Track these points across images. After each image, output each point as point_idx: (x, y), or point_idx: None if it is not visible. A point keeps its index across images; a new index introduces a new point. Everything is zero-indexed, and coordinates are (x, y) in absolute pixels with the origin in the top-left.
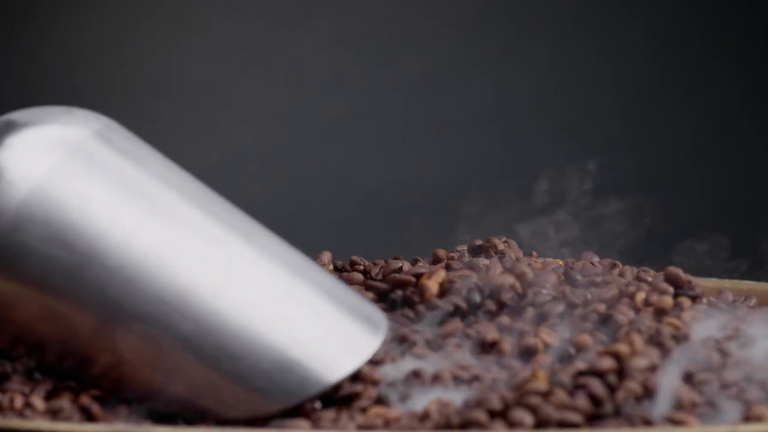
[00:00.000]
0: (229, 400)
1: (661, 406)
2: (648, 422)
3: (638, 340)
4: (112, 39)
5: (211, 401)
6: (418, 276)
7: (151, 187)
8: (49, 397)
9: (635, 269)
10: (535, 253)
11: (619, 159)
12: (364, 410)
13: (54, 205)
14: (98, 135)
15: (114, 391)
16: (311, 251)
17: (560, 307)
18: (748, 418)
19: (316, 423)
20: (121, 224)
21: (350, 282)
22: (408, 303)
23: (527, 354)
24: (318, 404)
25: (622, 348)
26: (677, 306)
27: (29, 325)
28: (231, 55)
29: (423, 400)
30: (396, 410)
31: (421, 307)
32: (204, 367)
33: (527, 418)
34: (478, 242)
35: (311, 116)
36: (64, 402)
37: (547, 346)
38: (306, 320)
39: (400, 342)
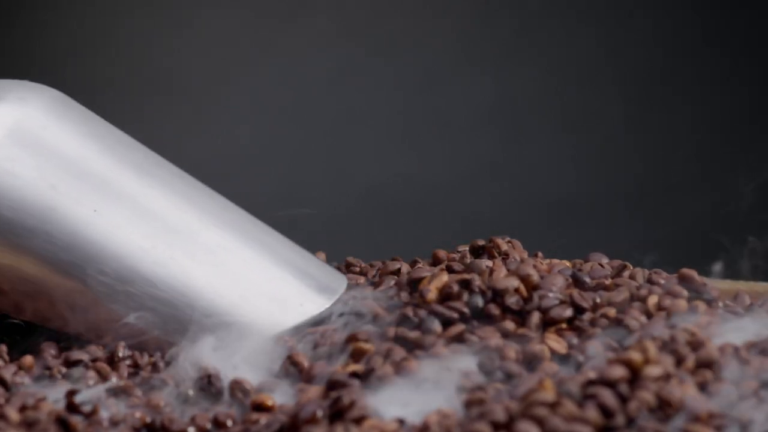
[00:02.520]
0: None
1: (676, 417)
2: None
3: (651, 347)
4: (106, 34)
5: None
6: (417, 281)
7: (97, 159)
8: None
9: (647, 271)
10: (540, 254)
11: (621, 158)
12: (358, 422)
13: None
14: (46, 109)
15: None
16: (307, 251)
17: (568, 312)
18: None
19: None
20: (69, 195)
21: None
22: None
23: (533, 362)
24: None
25: (635, 356)
26: (692, 310)
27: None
28: (228, 51)
29: (423, 409)
30: (392, 423)
31: (421, 312)
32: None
33: (533, 431)
34: (481, 242)
35: (309, 114)
36: (40, 413)
37: (554, 353)
38: (245, 277)
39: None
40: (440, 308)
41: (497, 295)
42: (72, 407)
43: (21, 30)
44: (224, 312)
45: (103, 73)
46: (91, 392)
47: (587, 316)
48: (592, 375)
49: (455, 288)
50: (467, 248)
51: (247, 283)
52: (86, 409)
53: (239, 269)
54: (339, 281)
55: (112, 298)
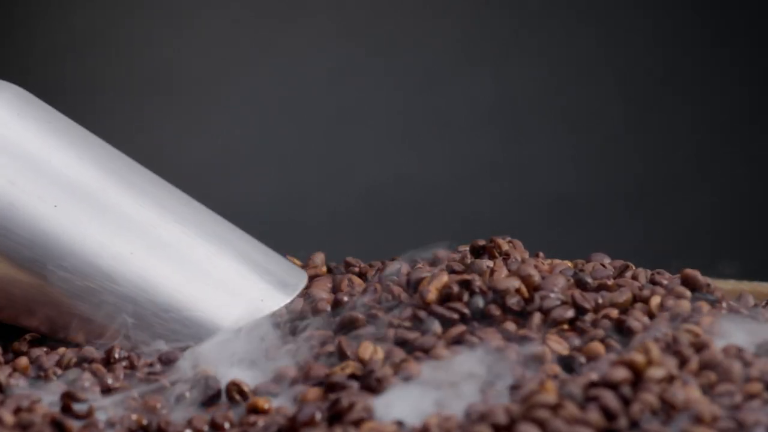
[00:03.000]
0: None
1: (679, 420)
2: None
3: (654, 349)
4: (103, 33)
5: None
6: (417, 281)
7: (57, 156)
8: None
9: (649, 271)
10: (541, 254)
11: (621, 158)
12: (357, 424)
13: None
14: (8, 106)
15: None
16: (305, 251)
17: (569, 313)
18: None
19: None
20: (28, 190)
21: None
22: None
23: (534, 363)
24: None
25: (637, 357)
26: (695, 311)
27: None
28: (228, 50)
29: (422, 411)
30: (391, 426)
31: (421, 313)
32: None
33: None
34: (481, 242)
35: (309, 114)
36: (35, 416)
37: (555, 354)
38: (204, 272)
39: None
40: (440, 309)
41: (498, 296)
42: (67, 409)
43: (20, 29)
44: (183, 307)
45: (101, 72)
46: (86, 394)
47: (589, 317)
48: (594, 377)
49: (455, 288)
50: (468, 248)
51: (206, 279)
52: (81, 411)
53: (198, 265)
54: (299, 277)
55: (71, 293)
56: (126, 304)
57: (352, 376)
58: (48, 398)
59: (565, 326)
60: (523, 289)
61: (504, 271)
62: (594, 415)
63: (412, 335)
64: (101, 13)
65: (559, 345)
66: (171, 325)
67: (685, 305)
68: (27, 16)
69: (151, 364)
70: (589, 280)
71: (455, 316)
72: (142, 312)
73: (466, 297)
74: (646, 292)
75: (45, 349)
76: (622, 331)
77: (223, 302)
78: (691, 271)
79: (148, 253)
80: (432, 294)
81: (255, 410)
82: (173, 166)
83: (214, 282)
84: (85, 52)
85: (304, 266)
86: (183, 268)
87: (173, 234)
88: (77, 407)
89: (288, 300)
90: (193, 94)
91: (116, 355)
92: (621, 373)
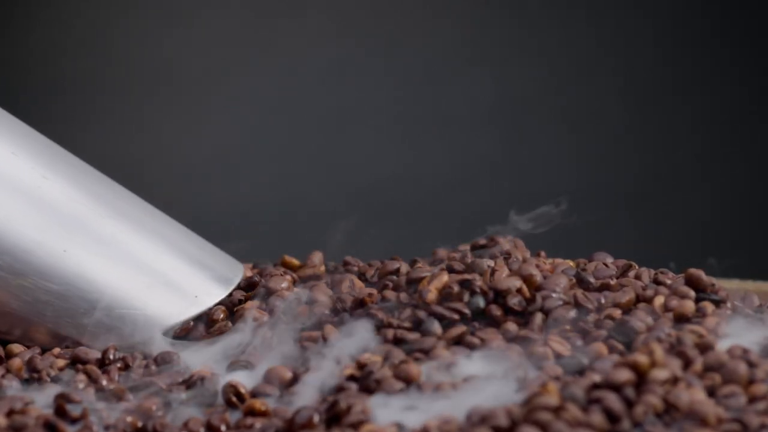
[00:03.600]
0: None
1: (683, 422)
2: None
3: (658, 350)
4: (100, 30)
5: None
6: (417, 281)
7: None
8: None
9: (652, 271)
10: (543, 253)
11: (622, 157)
12: (355, 427)
13: None
14: None
15: None
16: (303, 250)
17: (572, 313)
18: None
19: None
20: None
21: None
22: None
23: (536, 364)
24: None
25: (641, 358)
26: (699, 311)
27: None
28: (225, 49)
29: (422, 413)
30: (390, 428)
31: (420, 313)
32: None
33: None
34: (482, 241)
35: (308, 113)
36: (28, 418)
37: (557, 355)
38: (139, 268)
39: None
40: (440, 309)
41: (499, 296)
42: (61, 411)
43: (18, 28)
44: (117, 305)
45: (100, 71)
46: (80, 396)
47: (592, 317)
48: (597, 378)
49: (456, 288)
50: (468, 247)
51: (141, 275)
52: (75, 413)
53: (133, 261)
54: (235, 270)
55: (6, 291)
56: (59, 302)
57: (351, 378)
58: (41, 400)
59: (567, 327)
60: (525, 289)
61: (505, 271)
62: (597, 417)
63: (411, 336)
64: (100, 12)
65: (561, 346)
66: (105, 322)
67: (689, 305)
68: (25, 14)
69: (146, 366)
70: (592, 279)
71: (455, 316)
72: (75, 310)
73: (466, 297)
74: (649, 292)
75: (38, 350)
76: (625, 331)
77: (157, 298)
78: (695, 271)
79: (81, 250)
80: (432, 294)
81: (252, 412)
82: (171, 165)
83: (149, 278)
84: (83, 51)
85: (303, 265)
86: (117, 264)
87: (107, 229)
88: (71, 409)
89: (224, 294)
90: (189, 93)
91: (111, 356)
92: (624, 375)
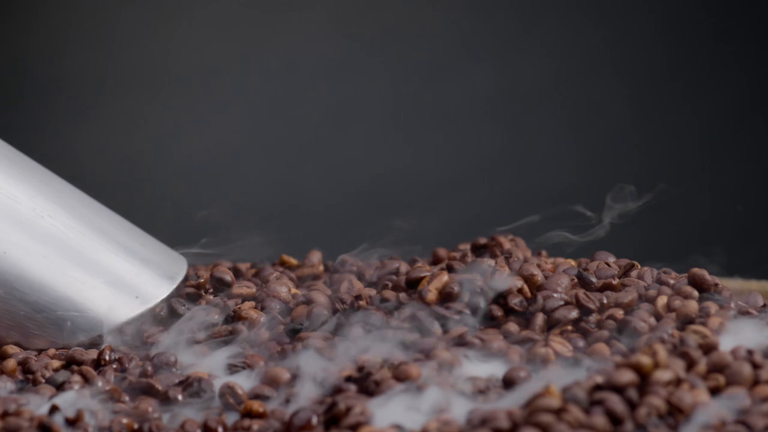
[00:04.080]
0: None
1: (687, 424)
2: None
3: (661, 351)
4: (96, 27)
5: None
6: (416, 281)
7: None
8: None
9: (655, 271)
10: (544, 253)
11: (627, 153)
12: (354, 428)
13: None
14: None
15: None
16: (301, 249)
17: (573, 313)
18: None
19: None
20: None
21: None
22: None
23: (537, 365)
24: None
25: (644, 359)
26: (703, 311)
27: None
28: (222, 45)
29: (422, 415)
30: (390, 430)
31: (420, 314)
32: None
33: None
34: (483, 240)
35: (305, 109)
36: (22, 420)
37: (559, 356)
38: (80, 268)
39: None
40: (440, 309)
41: (500, 296)
42: (56, 413)
43: (17, 26)
44: (57, 307)
45: (98, 69)
46: (75, 397)
47: (594, 317)
48: (599, 380)
49: (456, 288)
50: (469, 247)
51: (81, 274)
52: (70, 415)
53: (73, 260)
54: (179, 267)
55: None
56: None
57: (350, 379)
58: (36, 401)
59: (569, 327)
60: (526, 288)
61: (506, 271)
62: (599, 419)
63: (411, 336)
64: (98, 11)
65: (562, 346)
66: (46, 325)
67: (693, 306)
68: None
69: (143, 367)
70: (594, 279)
71: (456, 316)
72: (15, 312)
73: (466, 297)
74: (652, 292)
75: (33, 351)
76: (628, 332)
77: (99, 298)
78: (698, 271)
79: (21, 251)
80: (432, 294)
81: (250, 414)
82: (167, 163)
83: (90, 278)
84: (76, 47)
85: (301, 265)
86: (57, 264)
87: (47, 229)
88: (66, 411)
89: (168, 292)
90: (186, 92)
91: (107, 357)
92: (627, 376)
